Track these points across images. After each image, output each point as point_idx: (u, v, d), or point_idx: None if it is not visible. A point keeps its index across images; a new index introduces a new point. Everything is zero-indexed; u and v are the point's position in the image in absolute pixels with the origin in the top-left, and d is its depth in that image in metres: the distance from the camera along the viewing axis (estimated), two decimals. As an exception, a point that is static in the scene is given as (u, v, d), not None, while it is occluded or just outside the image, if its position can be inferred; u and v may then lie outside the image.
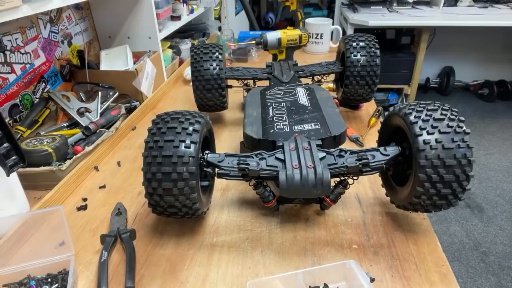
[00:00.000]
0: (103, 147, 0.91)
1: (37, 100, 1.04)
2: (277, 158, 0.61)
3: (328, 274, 0.54)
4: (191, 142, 0.56)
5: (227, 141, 0.96)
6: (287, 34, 1.03)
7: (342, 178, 0.64)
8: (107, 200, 0.76)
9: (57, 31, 1.12)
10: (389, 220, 0.67)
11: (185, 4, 1.57)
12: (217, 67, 0.91)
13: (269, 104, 0.80)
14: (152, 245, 0.64)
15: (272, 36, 1.03)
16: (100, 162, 0.89)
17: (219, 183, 0.77)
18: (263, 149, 0.63)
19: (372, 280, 0.55)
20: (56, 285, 0.54)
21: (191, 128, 0.57)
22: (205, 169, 0.62)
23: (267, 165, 0.60)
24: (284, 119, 0.73)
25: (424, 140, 0.54)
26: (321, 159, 0.60)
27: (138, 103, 1.15)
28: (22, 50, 0.99)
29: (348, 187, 0.65)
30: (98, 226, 0.69)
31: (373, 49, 0.92)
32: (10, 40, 0.94)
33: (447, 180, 0.53)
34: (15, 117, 0.97)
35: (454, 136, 0.54)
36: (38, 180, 0.78)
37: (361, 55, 0.91)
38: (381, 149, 0.62)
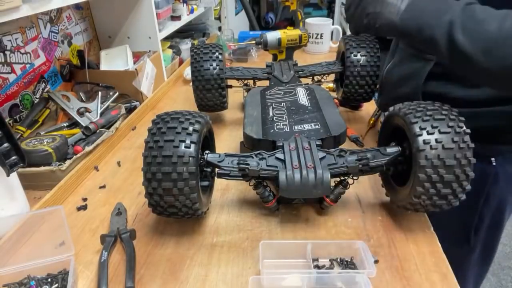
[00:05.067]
0: (103, 147, 0.91)
1: (37, 100, 1.04)
2: (277, 158, 0.61)
3: (336, 250, 0.58)
4: (191, 142, 0.56)
5: (227, 141, 0.96)
6: (287, 34, 1.03)
7: (342, 178, 0.64)
8: (107, 200, 0.76)
9: (57, 31, 1.12)
10: (389, 220, 0.67)
11: (185, 4, 1.57)
12: (217, 67, 0.91)
13: (269, 104, 0.80)
14: (152, 245, 0.64)
15: (272, 36, 1.03)
16: (100, 162, 0.89)
17: (219, 183, 0.77)
18: (263, 149, 0.63)
19: (376, 261, 0.57)
20: (56, 285, 0.54)
21: (191, 128, 0.57)
22: (205, 169, 0.62)
23: (267, 165, 0.60)
24: (284, 119, 0.73)
25: (424, 140, 0.54)
26: (321, 159, 0.60)
27: (138, 103, 1.15)
28: (22, 50, 0.99)
29: (348, 187, 0.65)
30: (98, 226, 0.69)
31: (373, 49, 0.92)
32: (10, 40, 0.94)
33: (447, 180, 0.53)
34: (15, 117, 0.97)
35: (454, 136, 0.54)
36: (38, 180, 0.78)
37: (361, 55, 0.91)
38: (381, 149, 0.62)
